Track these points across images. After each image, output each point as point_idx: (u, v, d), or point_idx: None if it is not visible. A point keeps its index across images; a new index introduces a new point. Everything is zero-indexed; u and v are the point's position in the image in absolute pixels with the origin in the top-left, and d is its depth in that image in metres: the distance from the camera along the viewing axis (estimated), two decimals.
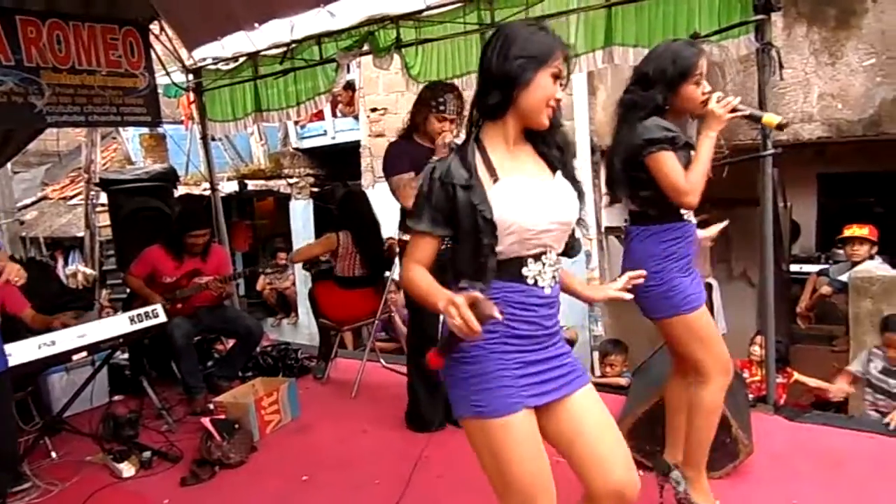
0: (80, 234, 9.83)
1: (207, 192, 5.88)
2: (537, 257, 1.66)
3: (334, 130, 9.71)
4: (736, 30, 3.25)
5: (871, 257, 4.85)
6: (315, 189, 10.23)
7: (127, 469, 3.27)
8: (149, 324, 3.50)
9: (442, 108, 3.24)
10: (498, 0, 3.92)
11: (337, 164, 9.96)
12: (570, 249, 1.81)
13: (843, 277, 4.82)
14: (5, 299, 3.40)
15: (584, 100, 6.38)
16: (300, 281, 9.64)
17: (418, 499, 2.85)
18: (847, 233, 4.97)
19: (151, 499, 3.06)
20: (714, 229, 2.58)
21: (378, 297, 4.52)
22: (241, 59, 5.13)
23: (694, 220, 2.38)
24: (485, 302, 1.43)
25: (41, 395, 3.91)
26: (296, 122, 9.68)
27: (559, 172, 1.73)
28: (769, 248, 3.47)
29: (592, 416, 1.71)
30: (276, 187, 10.22)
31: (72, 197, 10.92)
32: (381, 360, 4.75)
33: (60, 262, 10.22)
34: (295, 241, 9.89)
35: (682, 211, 2.29)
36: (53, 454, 3.48)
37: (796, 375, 4.25)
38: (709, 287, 6.39)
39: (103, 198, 7.79)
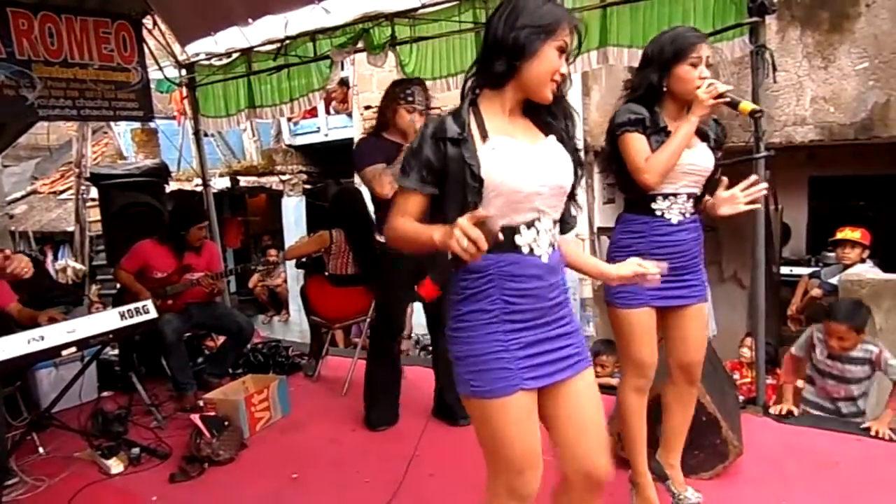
0: (70, 228, 9.78)
1: (199, 188, 5.85)
2: (530, 224, 1.62)
3: (328, 128, 9.69)
4: (730, 32, 3.26)
5: (863, 261, 4.88)
6: (308, 186, 10.21)
7: (115, 465, 3.24)
8: (139, 320, 3.47)
9: (410, 98, 3.29)
10: None
11: (330, 161, 9.95)
12: (564, 223, 1.77)
13: (834, 280, 4.84)
14: None
15: (577, 100, 6.38)
16: (292, 278, 9.63)
17: (409, 497, 2.85)
18: (840, 235, 4.99)
19: (140, 495, 3.03)
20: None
21: (370, 295, 4.51)
22: (235, 55, 5.10)
23: (674, 220, 2.29)
24: (491, 220, 1.43)
25: (29, 390, 3.88)
26: (289, 119, 9.66)
27: (552, 136, 1.70)
28: (761, 251, 3.48)
29: (581, 401, 1.71)
30: (268, 184, 10.20)
31: (62, 191, 10.87)
32: None
33: (50, 256, 10.16)
34: (287, 238, 9.87)
35: (655, 206, 2.26)
36: (41, 450, 3.45)
37: (782, 371, 4.26)
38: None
39: (94, 192, 7.78)
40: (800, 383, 3.70)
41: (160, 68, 5.47)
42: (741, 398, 3.76)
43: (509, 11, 1.61)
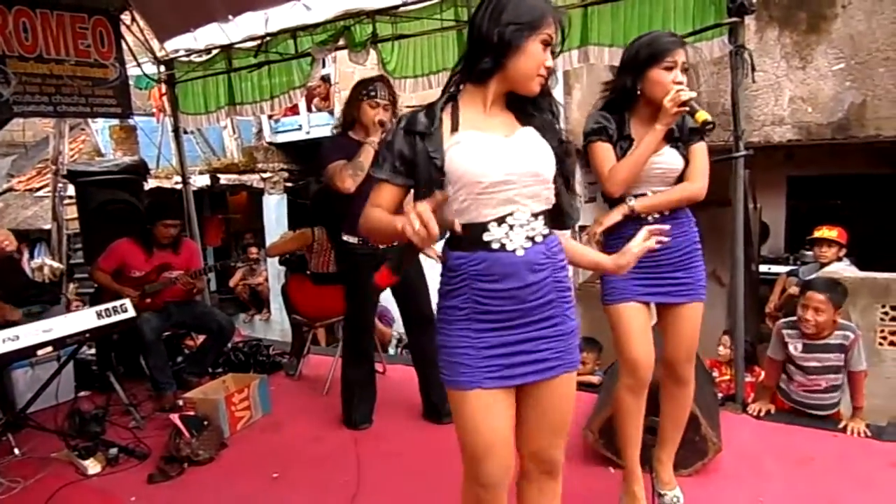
0: (47, 226, 9.63)
1: (179, 186, 5.80)
2: (501, 220, 1.60)
3: (309, 125, 9.64)
4: (710, 32, 3.28)
5: (839, 259, 4.94)
6: (289, 184, 10.15)
7: (92, 466, 3.20)
8: (117, 319, 3.44)
9: (373, 93, 3.32)
10: None
11: (311, 159, 9.80)
12: (562, 216, 1.73)
13: (812, 278, 4.90)
14: None
15: (560, 99, 6.40)
16: (273, 277, 9.57)
17: (390, 496, 2.85)
18: (817, 234, 5.05)
19: (118, 496, 3.00)
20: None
21: None
22: (215, 52, 5.06)
23: (650, 220, 2.28)
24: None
25: (5, 390, 3.82)
26: (270, 117, 9.60)
27: (530, 127, 1.68)
28: (739, 249, 3.51)
29: (548, 406, 1.73)
30: (249, 182, 10.13)
31: (38, 189, 10.70)
32: None
33: (26, 254, 10.00)
34: (268, 236, 9.81)
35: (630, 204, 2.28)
36: (17, 450, 3.40)
37: (764, 375, 4.30)
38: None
39: (71, 190, 7.66)
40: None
41: (138, 64, 5.41)
42: (720, 395, 3.81)
43: (493, 7, 1.61)
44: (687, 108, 2.17)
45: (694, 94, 2.18)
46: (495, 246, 1.60)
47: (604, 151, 2.23)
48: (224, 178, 9.96)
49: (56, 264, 9.23)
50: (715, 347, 4.90)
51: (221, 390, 3.78)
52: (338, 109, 8.70)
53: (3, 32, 4.39)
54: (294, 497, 2.92)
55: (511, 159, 1.60)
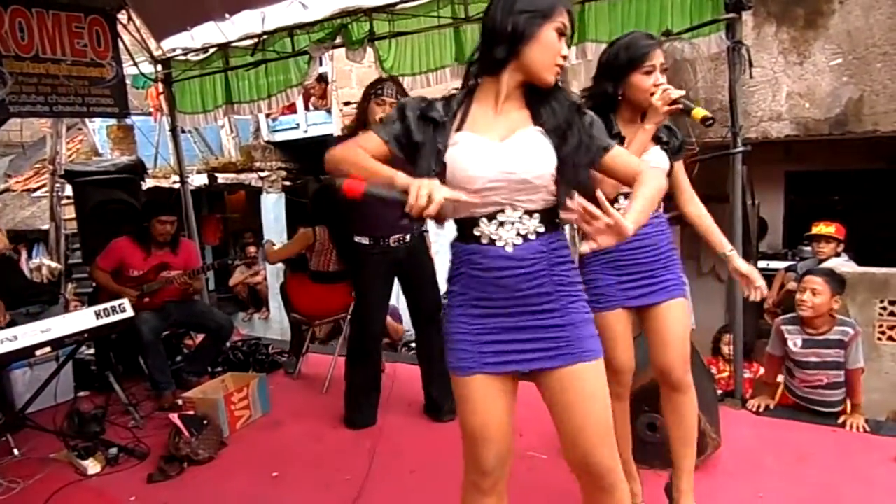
0: (45, 226, 9.62)
1: (177, 185, 5.79)
2: (491, 217, 1.63)
3: (307, 124, 9.63)
4: (707, 28, 3.28)
5: (838, 254, 4.94)
6: (287, 183, 10.13)
7: (92, 466, 3.20)
8: (115, 318, 3.43)
9: (380, 92, 3.32)
10: None
11: (309, 157, 9.87)
12: (558, 214, 1.68)
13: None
14: None
15: None
16: (272, 275, 9.56)
17: (390, 494, 2.85)
18: (814, 230, 5.05)
19: (117, 496, 3.00)
20: None
21: (351, 292, 4.50)
22: (212, 51, 5.05)
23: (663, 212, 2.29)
24: (457, 210, 1.56)
25: (4, 390, 3.82)
26: (267, 115, 9.58)
27: (532, 128, 1.66)
28: (738, 245, 3.50)
29: (573, 395, 1.67)
30: (247, 181, 10.11)
31: (36, 189, 10.69)
32: None
33: (24, 255, 9.99)
34: (266, 235, 9.78)
35: (617, 207, 2.14)
36: (16, 451, 3.40)
37: (762, 371, 4.30)
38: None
39: (68, 190, 7.64)
40: (780, 378, 3.73)
41: (135, 64, 5.40)
42: (719, 392, 3.81)
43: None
44: (680, 107, 2.16)
45: (683, 93, 2.17)
46: (485, 241, 1.65)
47: None
48: (222, 178, 9.94)
49: (54, 264, 9.22)
50: (712, 344, 4.92)
51: (221, 389, 3.78)
52: (335, 108, 8.71)
53: None
54: (294, 496, 2.92)
55: (499, 166, 1.61)
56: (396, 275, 3.54)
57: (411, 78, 4.30)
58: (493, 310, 1.68)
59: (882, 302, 4.33)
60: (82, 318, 3.33)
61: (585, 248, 1.55)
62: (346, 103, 8.36)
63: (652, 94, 2.16)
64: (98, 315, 3.38)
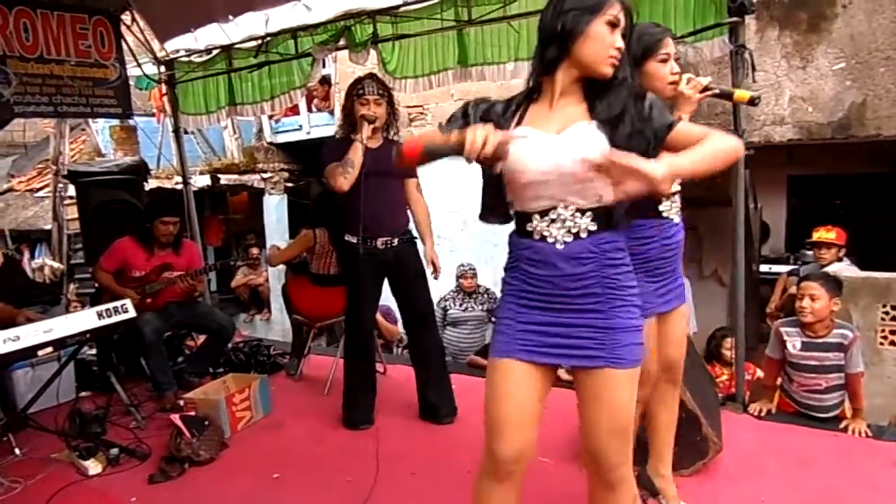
0: (48, 226, 9.62)
1: (179, 186, 5.80)
2: (544, 213, 1.69)
3: (309, 125, 9.63)
4: (710, 31, 3.28)
5: (839, 259, 4.93)
6: (289, 184, 10.14)
7: (93, 466, 3.20)
8: (117, 319, 3.44)
9: (361, 91, 3.37)
10: None
11: (312, 159, 9.82)
12: (615, 214, 1.70)
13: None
14: None
15: None
16: (274, 277, 9.57)
17: (391, 496, 2.84)
18: (815, 236, 5.04)
19: (118, 497, 3.00)
20: None
21: None
22: (215, 52, 5.06)
23: (677, 220, 2.28)
24: (506, 152, 1.58)
25: (6, 390, 3.81)
26: (270, 117, 9.59)
27: (585, 123, 1.68)
28: (740, 249, 3.51)
29: (597, 396, 1.72)
30: (249, 182, 10.11)
31: (39, 189, 10.70)
32: None
33: (26, 255, 10.00)
34: (269, 236, 9.80)
35: (662, 207, 2.20)
36: (17, 451, 3.40)
37: (759, 373, 4.30)
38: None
39: (71, 190, 7.66)
40: (778, 381, 3.73)
41: (139, 65, 5.42)
42: (720, 395, 3.80)
43: (557, 0, 1.68)
44: (714, 92, 2.15)
45: (709, 79, 2.18)
46: (536, 236, 1.71)
47: None
48: (224, 179, 9.95)
49: (56, 265, 9.23)
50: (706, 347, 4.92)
51: (222, 390, 3.78)
52: (338, 109, 8.71)
53: (3, 33, 4.39)
54: (295, 497, 2.91)
55: (551, 159, 1.65)
56: (386, 277, 3.55)
57: (414, 80, 4.31)
58: (538, 303, 1.74)
59: (884, 307, 4.32)
60: (84, 319, 3.33)
61: (595, 194, 1.63)
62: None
63: (673, 84, 2.15)
64: (100, 315, 3.38)
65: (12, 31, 4.43)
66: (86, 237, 5.51)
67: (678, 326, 2.37)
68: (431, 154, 1.61)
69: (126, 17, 5.03)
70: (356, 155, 3.26)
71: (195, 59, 5.24)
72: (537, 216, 1.70)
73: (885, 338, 4.33)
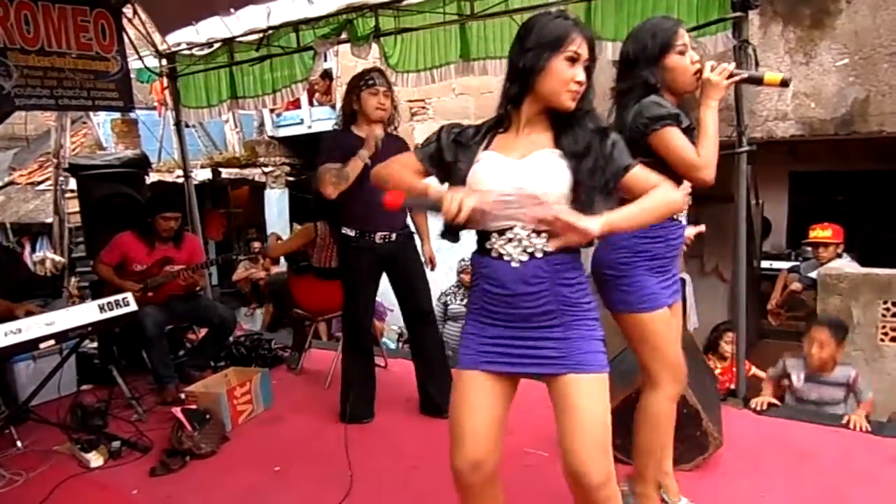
0: (49, 220, 9.62)
1: (180, 180, 5.80)
2: (502, 232, 1.74)
3: (311, 119, 9.63)
4: (713, 27, 3.28)
5: (839, 256, 4.93)
6: (291, 178, 10.14)
7: (95, 459, 3.21)
8: (119, 312, 3.44)
9: (371, 82, 3.34)
10: None
11: (313, 153, 9.83)
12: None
13: (813, 274, 4.89)
14: None
15: None
16: (274, 271, 9.56)
17: (391, 490, 2.85)
18: (811, 235, 5.04)
19: (120, 489, 3.01)
20: (692, 231, 2.56)
21: None
22: (217, 45, 5.05)
23: (685, 222, 2.29)
24: (484, 217, 1.70)
25: (7, 383, 3.82)
26: (272, 111, 9.58)
27: (548, 150, 1.75)
28: (742, 245, 3.51)
29: (566, 402, 1.75)
30: (250, 176, 10.11)
31: (40, 182, 10.69)
32: None
33: (28, 248, 10.01)
34: (269, 230, 9.80)
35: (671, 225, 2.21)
36: (19, 443, 3.41)
37: (753, 370, 4.31)
38: (682, 282, 6.47)
39: (72, 183, 7.65)
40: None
41: (140, 58, 5.41)
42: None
43: (521, 37, 1.76)
44: (742, 77, 2.15)
45: (733, 65, 2.18)
46: (494, 255, 1.77)
47: (682, 136, 2.08)
48: (226, 173, 9.94)
49: (58, 258, 9.24)
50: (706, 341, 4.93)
51: (223, 384, 3.79)
52: (339, 103, 8.71)
53: (4, 25, 4.38)
54: (295, 490, 2.92)
55: (512, 181, 1.72)
56: (384, 272, 3.54)
57: (416, 74, 4.30)
58: (501, 321, 1.79)
59: (885, 303, 4.32)
60: (86, 312, 3.34)
61: (550, 247, 1.70)
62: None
63: (696, 74, 2.15)
64: (102, 309, 3.38)
65: (13, 24, 4.42)
66: (87, 230, 5.52)
67: (676, 321, 2.36)
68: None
69: (127, 10, 5.02)
70: (354, 171, 3.24)
71: (196, 52, 5.23)
72: (496, 234, 1.75)
73: (885, 334, 4.33)
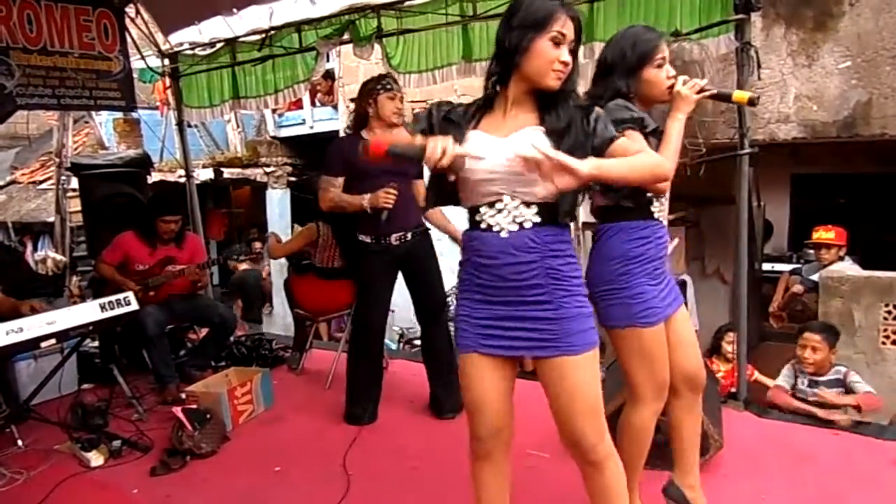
0: (51, 219, 9.64)
1: (182, 180, 5.80)
2: (491, 204, 1.78)
3: (313, 119, 9.64)
4: (716, 28, 3.27)
5: (841, 258, 4.93)
6: (293, 178, 10.14)
7: (95, 458, 3.21)
8: (120, 311, 3.44)
9: (388, 86, 3.36)
10: None
11: (315, 153, 9.86)
12: (555, 212, 1.77)
13: (815, 277, 4.89)
14: None
15: None
16: (276, 271, 9.57)
17: (393, 490, 2.85)
18: (815, 237, 5.03)
19: (120, 488, 3.01)
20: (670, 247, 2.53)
21: (354, 289, 4.50)
22: (219, 45, 5.05)
23: (665, 222, 2.27)
24: (462, 161, 1.73)
25: (8, 382, 3.81)
26: (274, 111, 9.59)
27: (532, 128, 1.78)
28: (744, 247, 3.51)
29: (560, 382, 1.82)
30: (252, 176, 10.13)
31: (42, 181, 10.72)
32: None
33: (29, 247, 10.03)
34: (270, 230, 9.80)
35: (654, 208, 2.20)
36: (20, 442, 3.41)
37: (756, 375, 4.30)
38: (683, 284, 6.47)
39: (74, 183, 7.66)
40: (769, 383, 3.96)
41: (143, 57, 5.41)
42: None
43: (508, 15, 1.77)
44: (711, 93, 2.16)
45: (706, 81, 2.18)
46: (483, 226, 1.81)
47: (641, 140, 2.07)
48: (227, 172, 9.96)
49: (59, 257, 9.25)
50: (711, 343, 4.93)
51: (224, 384, 3.79)
52: (341, 104, 8.71)
53: (7, 24, 4.38)
54: (296, 490, 2.92)
55: (498, 159, 1.74)
56: (400, 271, 3.54)
57: (418, 75, 4.30)
58: (491, 297, 1.83)
59: (887, 306, 4.32)
60: (87, 311, 3.34)
61: (540, 189, 1.73)
62: (353, 99, 8.29)
63: (670, 88, 2.16)
64: (103, 308, 3.38)
65: (16, 23, 4.42)
66: (88, 230, 5.52)
67: (686, 328, 2.32)
68: (395, 155, 1.74)
69: (130, 10, 5.02)
70: (353, 206, 3.30)
71: (199, 52, 5.23)
72: (485, 206, 1.79)
73: (887, 337, 4.33)
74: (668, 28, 3.25)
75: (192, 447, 3.22)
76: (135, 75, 5.32)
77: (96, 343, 4.44)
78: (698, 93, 2.15)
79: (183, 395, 3.72)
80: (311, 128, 9.67)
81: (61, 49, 4.68)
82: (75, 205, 8.58)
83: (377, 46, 4.34)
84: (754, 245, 6.11)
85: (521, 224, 1.77)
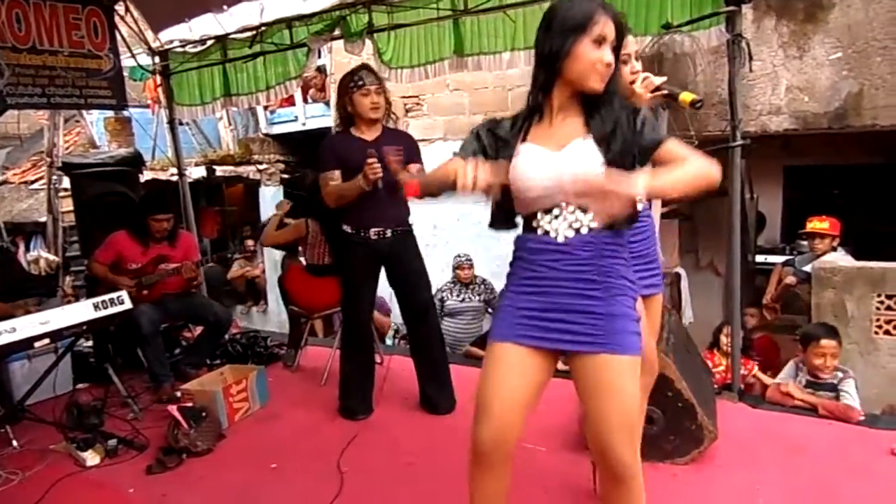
0: (43, 219, 9.59)
1: (175, 178, 5.78)
2: (548, 211, 1.77)
3: (305, 116, 9.61)
4: (707, 21, 3.27)
5: (834, 249, 4.95)
6: (285, 175, 10.12)
7: (91, 458, 3.21)
8: (114, 311, 3.44)
9: (360, 82, 3.33)
10: None
11: (308, 150, 9.84)
12: (616, 219, 1.74)
13: (808, 268, 4.92)
14: None
15: None
16: (270, 268, 9.56)
17: (388, 486, 2.85)
18: (809, 226, 5.06)
19: (116, 487, 3.01)
20: None
21: None
22: (210, 42, 5.02)
23: (641, 206, 2.32)
24: (496, 187, 1.70)
25: (2, 382, 3.81)
26: (266, 108, 9.56)
27: (580, 139, 1.75)
28: (736, 239, 3.52)
29: (600, 383, 1.75)
30: (245, 173, 10.09)
31: (34, 181, 10.65)
32: None
33: (22, 247, 9.97)
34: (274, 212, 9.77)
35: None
36: (15, 443, 3.41)
37: (755, 371, 4.31)
38: (677, 277, 6.49)
39: (66, 182, 7.63)
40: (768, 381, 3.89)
41: (133, 55, 5.39)
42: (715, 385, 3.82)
43: (546, 21, 1.76)
44: (663, 93, 2.17)
45: (665, 79, 2.20)
46: (540, 232, 1.78)
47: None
48: (220, 170, 9.92)
49: (52, 257, 9.21)
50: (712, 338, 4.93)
51: (219, 382, 3.79)
52: (333, 100, 8.69)
53: None
54: (292, 487, 2.92)
55: (553, 175, 1.73)
56: (383, 267, 3.53)
57: (410, 70, 4.29)
58: (539, 287, 1.79)
59: (879, 296, 4.35)
60: (81, 311, 3.33)
61: (596, 223, 1.73)
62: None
63: (632, 83, 2.18)
64: (96, 307, 3.38)
65: (4, 22, 4.38)
66: (81, 229, 5.49)
67: (653, 315, 2.36)
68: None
69: (120, 7, 4.99)
70: (353, 194, 3.27)
71: (190, 49, 5.20)
72: (541, 212, 1.77)
73: (879, 327, 4.36)
74: (660, 20, 3.26)
75: (188, 445, 3.22)
76: (125, 73, 5.30)
77: (91, 342, 4.43)
78: (653, 91, 2.17)
79: (178, 394, 3.73)
80: (304, 124, 9.64)
81: (51, 48, 4.65)
82: (67, 204, 8.52)
83: (368, 42, 4.32)
84: (747, 237, 6.14)
85: (577, 230, 1.75)
